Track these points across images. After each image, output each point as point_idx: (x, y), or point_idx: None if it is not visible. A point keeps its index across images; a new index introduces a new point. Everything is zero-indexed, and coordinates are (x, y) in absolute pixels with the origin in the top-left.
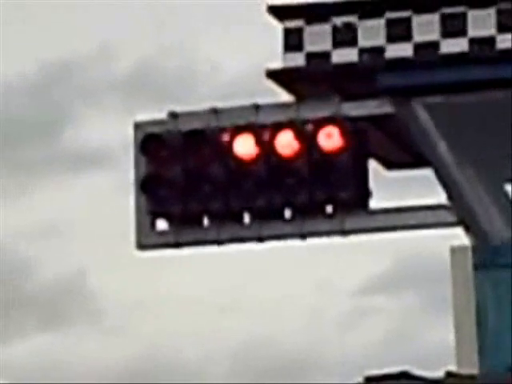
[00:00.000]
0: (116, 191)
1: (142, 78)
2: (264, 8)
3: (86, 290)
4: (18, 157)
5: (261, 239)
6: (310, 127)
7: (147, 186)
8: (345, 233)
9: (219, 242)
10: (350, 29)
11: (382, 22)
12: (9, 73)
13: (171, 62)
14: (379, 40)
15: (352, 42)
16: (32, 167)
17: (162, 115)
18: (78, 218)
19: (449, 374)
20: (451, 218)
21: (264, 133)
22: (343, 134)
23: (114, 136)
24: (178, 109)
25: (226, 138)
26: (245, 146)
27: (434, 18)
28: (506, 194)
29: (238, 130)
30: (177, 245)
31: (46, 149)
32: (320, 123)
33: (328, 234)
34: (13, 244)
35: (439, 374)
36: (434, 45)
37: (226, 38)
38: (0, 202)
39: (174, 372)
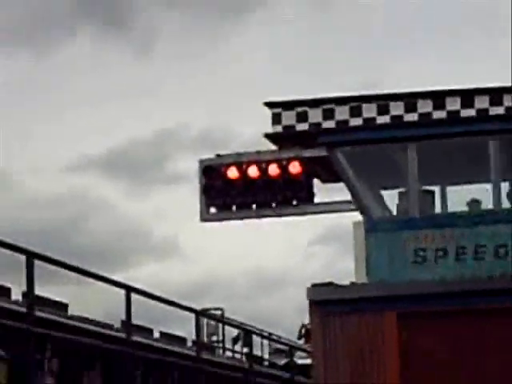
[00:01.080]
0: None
1: None
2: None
3: None
4: None
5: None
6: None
7: (206, 192)
8: (304, 214)
9: (241, 218)
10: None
11: (319, 111)
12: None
13: None
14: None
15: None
16: None
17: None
18: None
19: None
20: (355, 207)
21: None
22: (301, 165)
23: None
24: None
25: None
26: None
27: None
28: (380, 195)
29: None
30: (219, 220)
31: None
32: (291, 160)
33: (294, 215)
34: None
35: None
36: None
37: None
38: None
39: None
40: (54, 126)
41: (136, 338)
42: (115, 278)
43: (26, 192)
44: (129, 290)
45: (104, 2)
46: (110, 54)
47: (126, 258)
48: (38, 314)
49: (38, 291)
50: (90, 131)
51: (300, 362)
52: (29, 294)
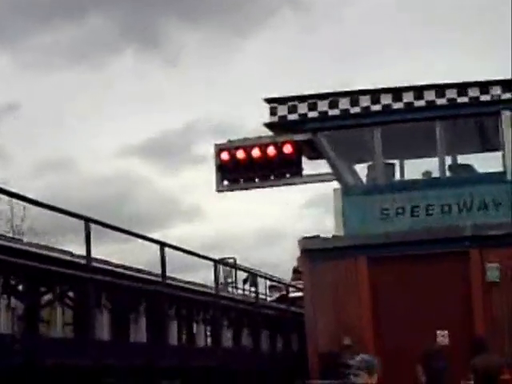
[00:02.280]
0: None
1: None
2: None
3: None
4: None
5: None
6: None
7: (220, 169)
8: (295, 184)
9: (247, 189)
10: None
11: (305, 105)
12: None
13: None
14: (305, 110)
15: (296, 111)
16: None
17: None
18: None
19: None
20: (334, 177)
21: None
22: (293, 146)
23: None
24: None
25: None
26: None
27: None
28: (354, 168)
29: None
30: (230, 190)
31: None
32: (284, 143)
33: (288, 185)
34: None
35: None
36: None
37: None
38: None
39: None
40: (104, 122)
41: (169, 281)
42: (154, 236)
43: (84, 173)
44: (162, 245)
45: (142, 25)
46: (147, 64)
47: (161, 221)
48: (94, 264)
49: (93, 249)
50: (132, 125)
51: (292, 295)
52: (87, 249)
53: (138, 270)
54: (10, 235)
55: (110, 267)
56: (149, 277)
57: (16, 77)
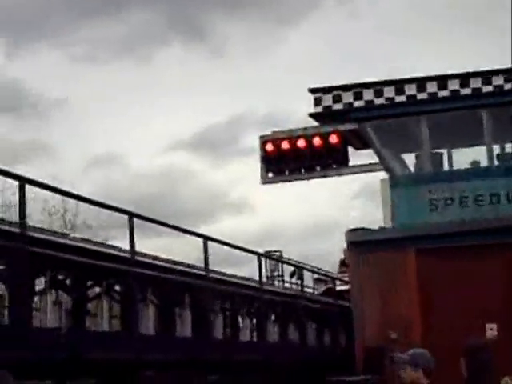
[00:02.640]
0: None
1: None
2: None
3: None
4: None
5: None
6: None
7: (265, 160)
8: (341, 175)
9: (293, 180)
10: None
11: (350, 94)
12: None
13: None
14: (350, 100)
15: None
16: None
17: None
18: None
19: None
20: (381, 168)
21: None
22: (338, 136)
23: None
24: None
25: None
26: None
27: None
28: (401, 158)
29: None
30: (276, 182)
31: None
32: (330, 133)
33: (334, 176)
34: None
35: None
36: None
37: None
38: None
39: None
40: (151, 116)
41: (213, 275)
42: (200, 230)
43: (133, 167)
44: (206, 238)
45: (188, 17)
46: (194, 57)
47: (209, 214)
48: (138, 258)
49: (138, 243)
50: (179, 118)
51: (338, 288)
52: (131, 244)
53: (184, 265)
54: (63, 230)
55: (154, 261)
56: (194, 271)
57: (65, 71)
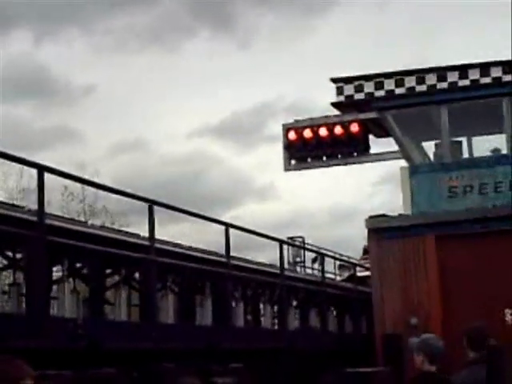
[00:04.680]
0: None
1: None
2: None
3: None
4: None
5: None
6: (347, 123)
7: (287, 148)
8: (362, 162)
9: (315, 168)
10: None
11: (372, 84)
12: None
13: None
14: (371, 89)
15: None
16: None
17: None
18: None
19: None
20: (401, 156)
21: None
22: (359, 125)
23: None
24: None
25: None
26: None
27: None
28: (421, 146)
29: None
30: (298, 169)
31: None
32: (351, 121)
33: (355, 163)
34: None
35: None
36: (392, 91)
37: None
38: None
39: None
40: (178, 103)
41: (234, 261)
42: (225, 215)
43: (159, 154)
44: (227, 225)
45: (214, 8)
46: (221, 46)
47: (235, 200)
48: (157, 245)
49: (158, 229)
50: (205, 105)
51: (359, 274)
52: (150, 232)
53: (204, 252)
54: (82, 216)
55: (174, 249)
56: (214, 257)
57: (92, 60)
